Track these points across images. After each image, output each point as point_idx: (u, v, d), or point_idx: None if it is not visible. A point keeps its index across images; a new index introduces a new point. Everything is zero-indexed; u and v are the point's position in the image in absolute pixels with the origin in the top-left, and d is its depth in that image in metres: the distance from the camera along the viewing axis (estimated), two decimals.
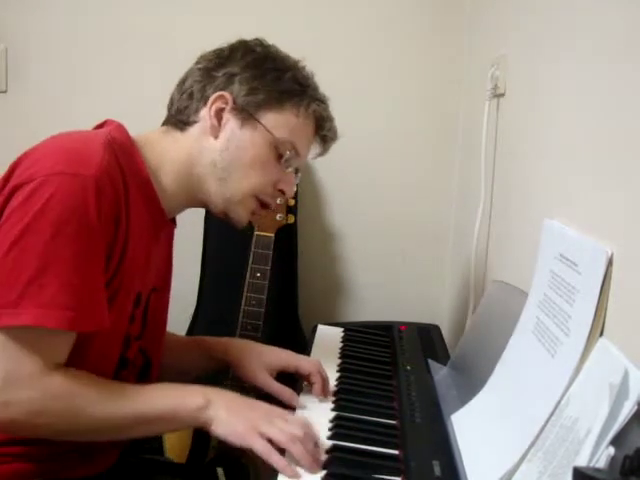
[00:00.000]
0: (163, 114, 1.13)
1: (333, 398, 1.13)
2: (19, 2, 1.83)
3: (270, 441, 0.90)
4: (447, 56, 1.85)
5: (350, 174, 1.87)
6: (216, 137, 1.05)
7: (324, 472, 0.88)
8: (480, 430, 0.92)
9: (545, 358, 0.84)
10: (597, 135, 0.88)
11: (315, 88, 1.12)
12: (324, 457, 0.91)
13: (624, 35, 0.81)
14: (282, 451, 0.90)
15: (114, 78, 1.84)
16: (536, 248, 0.99)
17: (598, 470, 0.62)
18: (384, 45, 1.85)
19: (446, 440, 0.96)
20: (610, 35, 0.85)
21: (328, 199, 1.90)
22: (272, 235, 1.52)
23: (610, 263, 0.76)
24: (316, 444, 0.93)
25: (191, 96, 1.07)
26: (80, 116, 1.11)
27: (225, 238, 1.76)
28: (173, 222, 1.16)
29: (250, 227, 1.49)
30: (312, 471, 0.88)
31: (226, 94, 1.05)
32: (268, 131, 1.05)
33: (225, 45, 1.09)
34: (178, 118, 1.08)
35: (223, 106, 1.05)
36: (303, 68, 1.11)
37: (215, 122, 1.05)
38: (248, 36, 1.13)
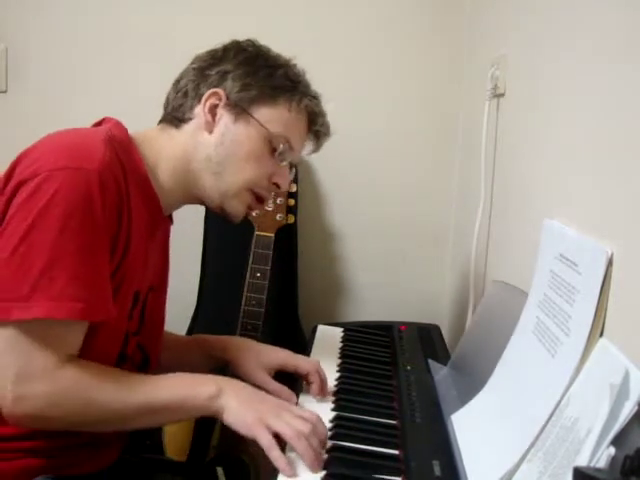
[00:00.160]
0: (162, 113, 1.14)
1: (333, 398, 1.13)
2: (19, 2, 1.83)
3: (276, 435, 0.91)
4: (447, 56, 1.85)
5: (350, 174, 1.87)
6: (211, 132, 1.08)
7: (324, 472, 0.88)
8: (480, 430, 0.92)
9: (545, 358, 0.84)
10: (597, 135, 0.88)
11: (307, 85, 1.14)
12: (324, 457, 0.91)
13: (624, 35, 0.81)
14: (283, 449, 0.90)
15: (114, 78, 1.84)
16: (536, 248, 0.99)
17: (598, 470, 0.62)
18: (384, 45, 1.85)
19: (446, 440, 0.96)
20: (610, 35, 0.85)
21: (328, 199, 1.90)
22: (272, 235, 1.52)
23: (610, 263, 0.76)
24: (323, 442, 0.93)
25: (186, 94, 1.09)
26: (80, 116, 1.11)
27: (225, 238, 1.76)
28: (170, 219, 1.17)
29: (247, 220, 1.50)
30: (313, 469, 0.88)
31: (219, 91, 1.07)
32: (262, 125, 1.08)
33: (219, 46, 1.12)
34: (173, 115, 1.10)
35: (217, 102, 1.07)
36: (294, 66, 1.14)
37: (209, 118, 1.07)
38: (248, 36, 1.14)
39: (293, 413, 0.95)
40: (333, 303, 1.94)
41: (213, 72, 1.08)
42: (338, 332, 1.51)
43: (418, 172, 1.89)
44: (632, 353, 0.68)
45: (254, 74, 1.08)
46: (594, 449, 0.63)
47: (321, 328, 1.54)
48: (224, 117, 1.07)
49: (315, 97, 1.14)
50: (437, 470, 0.89)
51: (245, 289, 1.48)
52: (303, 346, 1.47)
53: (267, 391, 1.07)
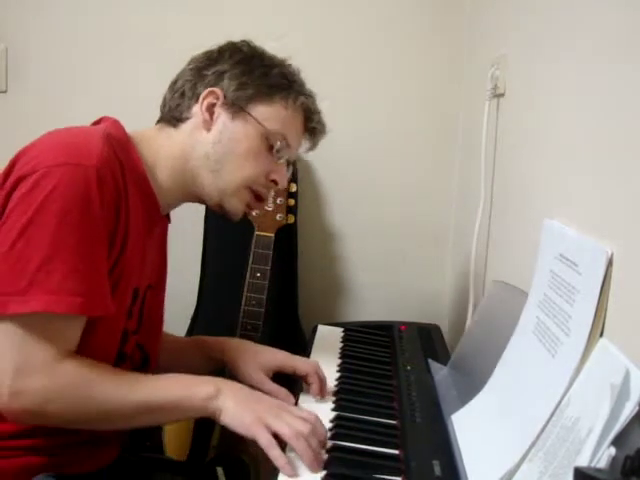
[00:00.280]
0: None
1: (333, 398, 1.13)
2: (19, 2, 1.83)
3: (276, 436, 0.91)
4: (447, 56, 1.84)
5: (350, 174, 1.87)
6: (209, 131, 1.09)
7: (324, 472, 0.88)
8: (480, 430, 0.92)
9: (545, 358, 0.84)
10: (597, 135, 0.88)
11: (302, 83, 1.16)
12: (324, 457, 0.91)
13: (624, 35, 0.81)
14: (283, 448, 0.90)
15: (114, 78, 1.84)
16: (536, 248, 0.99)
17: (599, 470, 0.62)
18: (384, 45, 1.85)
19: (446, 440, 0.96)
20: (610, 35, 0.85)
21: (328, 199, 1.90)
22: (272, 235, 1.52)
23: (610, 263, 0.76)
24: (322, 443, 0.93)
25: (183, 94, 1.10)
26: (80, 116, 1.11)
27: (225, 238, 1.76)
28: (167, 218, 1.17)
29: (247, 220, 1.50)
30: (312, 469, 0.88)
31: (217, 90, 1.09)
32: (259, 123, 1.09)
33: (214, 47, 1.13)
34: (171, 115, 1.11)
35: (214, 101, 1.09)
36: (289, 65, 1.15)
37: (207, 116, 1.08)
38: (248, 37, 1.16)
39: (292, 413, 0.95)
40: (333, 303, 1.94)
41: (210, 72, 1.10)
42: (338, 332, 1.51)
43: (418, 172, 1.89)
44: (632, 353, 0.68)
45: (250, 73, 1.10)
46: (595, 449, 0.63)
47: (321, 328, 1.54)
48: (222, 116, 1.08)
49: (310, 95, 1.16)
50: (437, 470, 0.89)
51: (245, 289, 1.48)
52: (303, 346, 1.47)
53: (264, 392, 1.07)
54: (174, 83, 1.13)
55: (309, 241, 1.88)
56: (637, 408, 0.63)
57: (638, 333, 0.71)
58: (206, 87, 1.09)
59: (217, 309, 1.75)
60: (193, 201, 1.15)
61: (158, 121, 1.14)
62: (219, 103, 1.08)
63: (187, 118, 1.10)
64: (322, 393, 1.13)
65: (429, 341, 1.48)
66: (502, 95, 1.39)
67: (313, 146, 1.21)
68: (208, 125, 1.09)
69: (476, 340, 1.22)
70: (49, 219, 0.89)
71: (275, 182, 1.14)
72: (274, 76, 1.11)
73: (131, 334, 1.07)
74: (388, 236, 1.90)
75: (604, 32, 0.88)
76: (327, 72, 1.78)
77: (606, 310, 0.76)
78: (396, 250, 1.91)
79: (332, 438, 0.97)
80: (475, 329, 1.28)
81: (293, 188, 1.56)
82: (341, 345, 1.42)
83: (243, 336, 1.44)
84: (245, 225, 1.51)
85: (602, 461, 0.63)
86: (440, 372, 1.25)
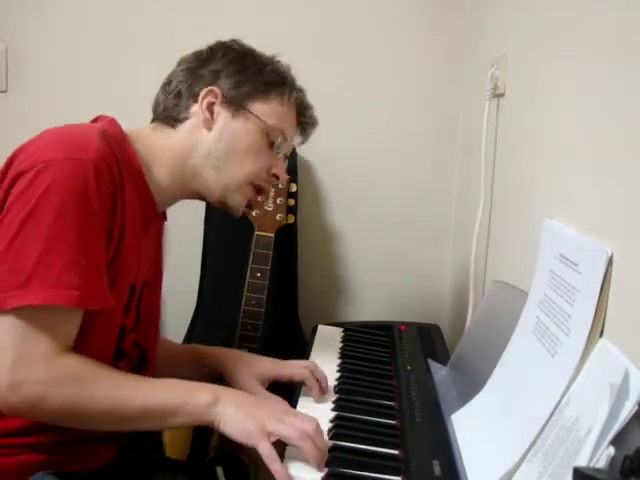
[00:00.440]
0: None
1: (333, 398, 1.13)
2: (19, 2, 1.83)
3: (277, 441, 0.90)
4: (447, 56, 1.84)
5: (350, 174, 1.87)
6: (209, 129, 1.10)
7: (324, 472, 0.88)
8: (480, 430, 0.92)
9: (545, 358, 0.84)
10: (597, 135, 0.88)
11: (293, 79, 1.17)
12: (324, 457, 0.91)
13: (624, 35, 0.81)
14: (281, 457, 0.89)
15: (114, 78, 1.84)
16: (536, 248, 0.99)
17: (598, 470, 0.62)
18: (384, 45, 1.85)
19: (446, 440, 0.96)
20: (610, 35, 0.85)
21: (328, 199, 1.90)
22: (272, 235, 1.52)
23: (610, 263, 0.76)
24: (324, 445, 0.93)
25: (179, 95, 1.11)
26: (80, 115, 1.11)
27: (225, 238, 1.76)
28: (163, 216, 1.18)
29: (247, 220, 1.50)
30: (319, 469, 0.88)
31: (215, 89, 1.10)
32: (259, 119, 1.10)
33: (204, 47, 1.15)
34: (168, 115, 1.12)
35: (213, 100, 1.10)
36: (279, 62, 1.17)
37: (208, 115, 1.09)
38: (249, 37, 1.16)
39: (295, 415, 0.95)
40: (333, 303, 1.94)
41: (205, 72, 1.11)
42: (338, 332, 1.51)
43: (418, 172, 1.89)
44: (632, 353, 0.68)
45: (244, 71, 1.11)
46: (594, 449, 0.63)
47: (321, 328, 1.54)
48: (222, 114, 1.10)
49: (302, 90, 1.18)
50: (437, 470, 0.89)
51: (245, 289, 1.48)
52: (303, 346, 1.47)
53: None
54: (167, 84, 1.13)
55: (309, 241, 1.88)
56: (636, 408, 0.63)
57: (638, 333, 0.71)
58: (203, 86, 1.10)
59: (217, 309, 1.75)
60: (191, 198, 1.16)
61: (152, 121, 1.14)
62: (218, 102, 1.09)
63: (186, 118, 1.10)
64: (322, 392, 1.13)
65: (429, 341, 1.48)
66: (502, 95, 1.39)
67: (305, 139, 1.23)
68: (209, 124, 1.09)
69: (476, 340, 1.22)
70: (47, 213, 0.90)
71: (276, 176, 1.16)
72: (268, 73, 1.13)
73: (129, 332, 1.07)
74: (388, 236, 1.90)
75: (604, 32, 0.88)
76: (327, 72, 1.78)
77: (606, 310, 0.76)
78: (396, 250, 1.91)
79: (332, 438, 0.97)
80: (475, 329, 1.28)
81: (293, 188, 1.56)
82: (341, 345, 1.42)
83: (243, 336, 1.44)
84: (245, 225, 1.51)
85: (601, 461, 0.63)
86: (440, 372, 1.25)
